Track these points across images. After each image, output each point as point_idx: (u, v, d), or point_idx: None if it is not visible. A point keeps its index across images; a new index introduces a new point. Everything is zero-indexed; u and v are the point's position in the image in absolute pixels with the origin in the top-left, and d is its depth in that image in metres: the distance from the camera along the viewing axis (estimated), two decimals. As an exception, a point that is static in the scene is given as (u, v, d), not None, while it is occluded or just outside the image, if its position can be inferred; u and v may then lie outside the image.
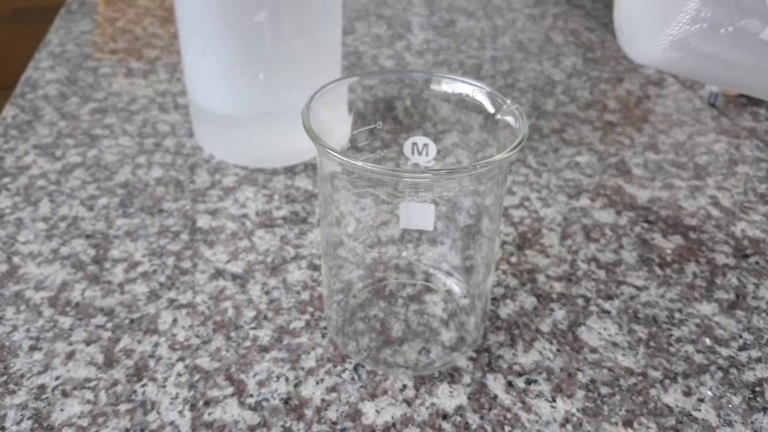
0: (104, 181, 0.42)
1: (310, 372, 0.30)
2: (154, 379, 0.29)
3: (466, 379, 0.30)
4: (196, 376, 0.30)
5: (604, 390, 0.29)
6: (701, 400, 0.29)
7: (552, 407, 0.29)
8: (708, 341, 0.32)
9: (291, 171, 0.44)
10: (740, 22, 0.21)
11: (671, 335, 0.32)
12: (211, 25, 0.38)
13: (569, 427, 0.28)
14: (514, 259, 0.37)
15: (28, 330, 0.32)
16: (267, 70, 0.39)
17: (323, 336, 0.32)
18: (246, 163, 0.43)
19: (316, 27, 0.40)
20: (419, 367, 0.30)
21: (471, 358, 0.31)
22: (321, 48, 0.40)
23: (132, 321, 0.32)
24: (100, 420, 0.28)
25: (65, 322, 0.32)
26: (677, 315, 0.33)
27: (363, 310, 0.32)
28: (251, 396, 0.29)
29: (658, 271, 0.36)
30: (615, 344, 0.32)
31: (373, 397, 0.29)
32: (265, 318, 0.33)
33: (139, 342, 0.31)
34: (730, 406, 0.29)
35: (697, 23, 0.21)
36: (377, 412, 0.28)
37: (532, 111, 0.52)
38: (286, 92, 0.40)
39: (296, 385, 0.29)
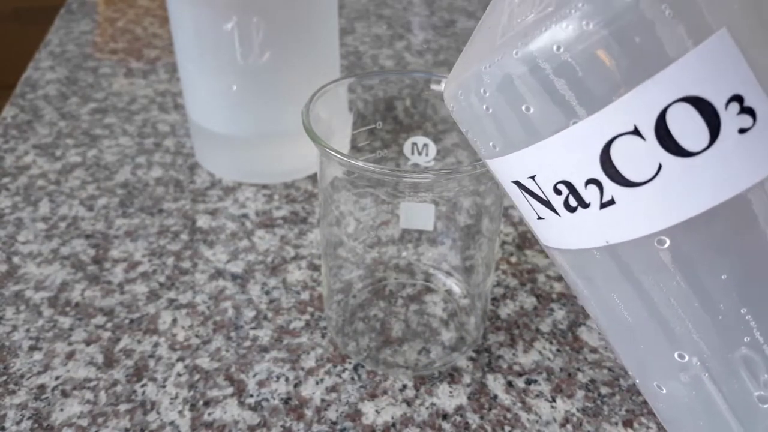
0: (104, 181, 0.42)
1: (310, 372, 0.30)
2: (154, 379, 0.29)
3: (466, 379, 0.30)
4: (196, 376, 0.30)
5: (604, 390, 0.29)
6: (701, 400, 0.29)
7: (552, 407, 0.29)
8: (708, 341, 0.32)
9: (291, 171, 0.44)
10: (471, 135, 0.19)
11: (671, 335, 0.32)
12: (206, 46, 0.38)
13: (569, 427, 0.28)
14: (514, 259, 0.37)
15: (28, 330, 0.32)
16: (261, 91, 0.39)
17: (323, 336, 0.32)
18: (244, 180, 0.43)
19: (312, 60, 0.39)
20: (419, 367, 0.30)
21: (471, 358, 0.31)
22: (317, 72, 0.39)
23: (132, 321, 0.32)
24: (100, 420, 0.28)
25: (65, 322, 0.32)
26: (677, 315, 0.33)
27: (363, 310, 0.32)
28: (251, 396, 0.29)
29: (658, 271, 0.36)
30: (615, 344, 0.32)
31: (373, 397, 0.29)
32: (265, 318, 0.33)
33: (139, 342, 0.31)
34: (730, 406, 0.29)
35: (457, 96, 0.19)
36: (377, 412, 0.28)
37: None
38: (282, 112, 0.40)
39: (296, 385, 0.29)
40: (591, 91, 0.16)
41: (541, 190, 0.18)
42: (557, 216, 0.18)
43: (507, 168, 0.19)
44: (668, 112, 0.15)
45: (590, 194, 0.17)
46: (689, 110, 0.15)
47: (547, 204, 0.18)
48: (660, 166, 0.16)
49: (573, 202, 0.18)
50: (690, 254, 0.17)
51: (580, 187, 0.17)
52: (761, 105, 0.15)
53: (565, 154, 0.17)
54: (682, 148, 0.16)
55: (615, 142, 0.16)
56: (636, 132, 0.16)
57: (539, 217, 0.19)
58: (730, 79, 0.15)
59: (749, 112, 0.15)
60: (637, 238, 0.17)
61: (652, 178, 0.16)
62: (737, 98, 0.15)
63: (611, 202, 0.17)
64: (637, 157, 0.16)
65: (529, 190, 0.19)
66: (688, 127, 0.15)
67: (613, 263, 0.18)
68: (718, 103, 0.15)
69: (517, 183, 0.19)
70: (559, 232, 0.19)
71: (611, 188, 0.17)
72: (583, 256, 0.19)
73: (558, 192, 0.18)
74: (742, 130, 0.15)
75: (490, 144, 0.19)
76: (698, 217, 0.16)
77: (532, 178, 0.18)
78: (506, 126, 0.18)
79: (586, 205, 0.17)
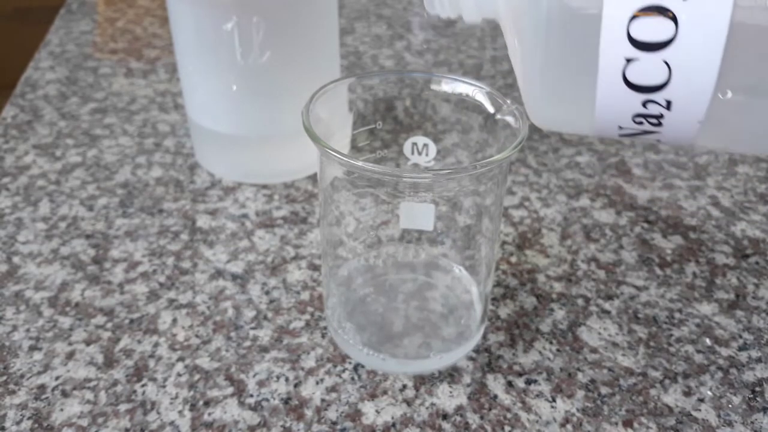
0: (104, 181, 0.42)
1: (310, 372, 0.30)
2: (154, 379, 0.29)
3: (466, 379, 0.30)
4: (196, 376, 0.30)
5: (604, 390, 0.29)
6: (701, 400, 0.29)
7: (552, 407, 0.29)
8: (708, 341, 0.32)
9: (291, 171, 0.44)
10: None
11: (671, 335, 0.32)
12: (206, 46, 0.38)
13: (569, 427, 0.28)
14: (514, 259, 0.37)
15: (28, 330, 0.32)
16: (261, 91, 0.39)
17: (323, 336, 0.32)
18: (244, 180, 0.43)
19: (312, 60, 0.39)
20: (418, 358, 0.30)
21: (471, 358, 0.31)
22: (317, 72, 0.39)
23: (132, 321, 0.32)
24: (100, 420, 0.28)
25: (65, 322, 0.32)
26: (677, 315, 0.33)
27: (363, 306, 0.32)
28: (251, 396, 0.29)
29: (658, 271, 0.36)
30: (615, 344, 0.32)
31: (373, 397, 0.29)
32: (265, 318, 0.33)
33: (139, 342, 0.31)
34: (730, 406, 0.29)
35: None
36: (377, 412, 0.28)
37: (532, 111, 0.52)
38: (282, 112, 0.40)
39: (296, 385, 0.29)
40: None
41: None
42: None
43: None
44: None
45: None
46: None
47: None
48: None
49: None
50: None
51: None
52: None
53: None
54: None
55: None
56: None
57: None
58: None
59: None
60: None
61: None
62: None
63: None
64: None
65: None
66: None
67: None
68: None
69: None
70: None
71: None
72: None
73: None
74: None
75: None
76: None
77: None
78: None
79: None
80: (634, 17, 0.20)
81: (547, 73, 0.22)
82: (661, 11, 0.19)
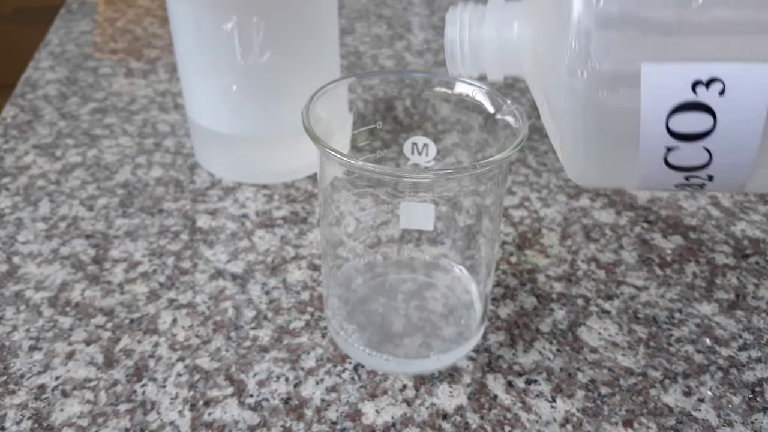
0: (104, 181, 0.42)
1: (310, 372, 0.30)
2: (154, 379, 0.29)
3: (466, 379, 0.30)
4: (196, 376, 0.30)
5: (604, 390, 0.29)
6: (701, 400, 0.29)
7: (552, 407, 0.29)
8: (708, 341, 0.32)
9: (291, 171, 0.44)
10: None
11: (671, 335, 0.32)
12: (206, 46, 0.38)
13: (569, 427, 0.28)
14: (514, 259, 0.37)
15: (28, 330, 0.32)
16: (261, 91, 0.39)
17: (323, 336, 0.32)
18: (244, 180, 0.43)
19: (312, 60, 0.39)
20: (418, 358, 0.30)
21: (471, 358, 0.31)
22: (317, 72, 0.39)
23: (132, 321, 0.32)
24: (100, 420, 0.28)
25: (65, 322, 0.32)
26: (677, 315, 0.33)
27: (363, 306, 0.32)
28: (251, 396, 0.29)
29: (658, 271, 0.36)
30: (615, 344, 0.32)
31: (373, 397, 0.29)
32: (265, 318, 0.33)
33: (139, 342, 0.31)
34: (730, 406, 0.29)
35: None
36: (377, 412, 0.28)
37: (532, 111, 0.52)
38: (282, 112, 0.40)
39: (296, 385, 0.29)
40: None
41: None
42: None
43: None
44: None
45: None
46: None
47: None
48: None
49: None
50: None
51: None
52: None
53: None
54: None
55: None
56: None
57: None
58: None
59: None
60: None
61: None
62: None
63: None
64: None
65: None
66: None
67: None
68: None
69: None
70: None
71: None
72: None
73: None
74: None
75: None
76: None
77: None
78: None
79: None
80: (672, 113, 0.20)
81: (587, 154, 0.23)
82: (699, 107, 0.20)
